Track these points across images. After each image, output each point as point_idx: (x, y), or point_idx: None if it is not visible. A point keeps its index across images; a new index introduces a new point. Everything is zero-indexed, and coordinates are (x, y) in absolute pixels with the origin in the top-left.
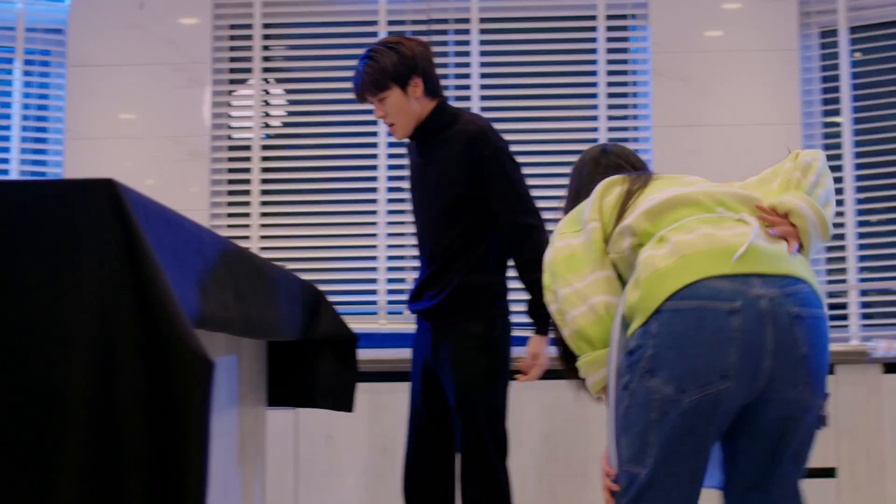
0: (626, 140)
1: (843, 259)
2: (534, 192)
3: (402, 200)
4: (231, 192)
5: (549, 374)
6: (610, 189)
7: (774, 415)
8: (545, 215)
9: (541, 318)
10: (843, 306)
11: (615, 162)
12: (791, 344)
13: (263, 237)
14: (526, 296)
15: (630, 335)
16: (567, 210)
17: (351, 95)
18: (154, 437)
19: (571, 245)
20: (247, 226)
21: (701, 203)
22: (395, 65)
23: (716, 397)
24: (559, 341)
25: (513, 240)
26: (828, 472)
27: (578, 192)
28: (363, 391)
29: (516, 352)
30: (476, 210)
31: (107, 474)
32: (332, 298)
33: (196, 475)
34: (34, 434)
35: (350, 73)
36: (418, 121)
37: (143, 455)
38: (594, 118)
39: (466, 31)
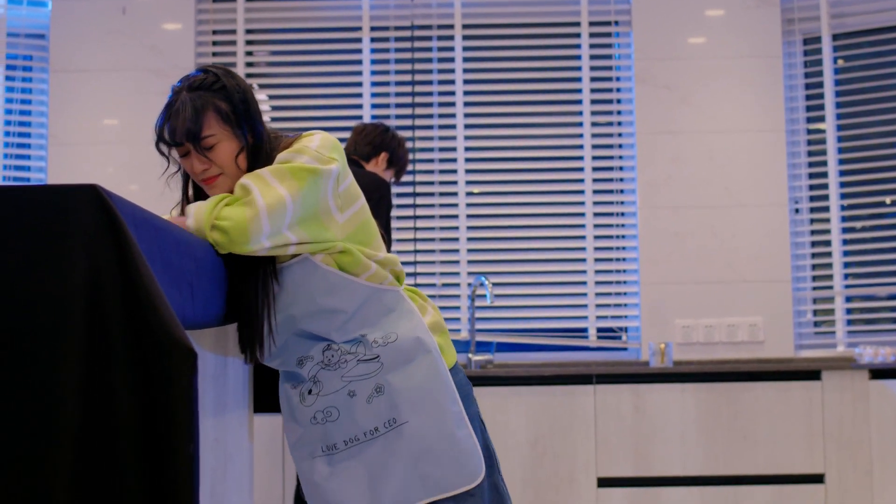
0: (610, 146)
1: (828, 266)
2: (514, 199)
3: None
4: None
5: (538, 381)
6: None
7: None
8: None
9: None
10: (830, 312)
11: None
12: None
13: None
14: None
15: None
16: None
17: (333, 101)
18: (145, 427)
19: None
20: None
21: None
22: None
23: None
24: None
25: None
26: (816, 479)
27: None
28: None
29: None
30: None
31: (102, 465)
32: None
33: (186, 464)
34: (30, 429)
35: (334, 80)
36: None
37: (134, 445)
38: (579, 124)
39: (450, 38)
